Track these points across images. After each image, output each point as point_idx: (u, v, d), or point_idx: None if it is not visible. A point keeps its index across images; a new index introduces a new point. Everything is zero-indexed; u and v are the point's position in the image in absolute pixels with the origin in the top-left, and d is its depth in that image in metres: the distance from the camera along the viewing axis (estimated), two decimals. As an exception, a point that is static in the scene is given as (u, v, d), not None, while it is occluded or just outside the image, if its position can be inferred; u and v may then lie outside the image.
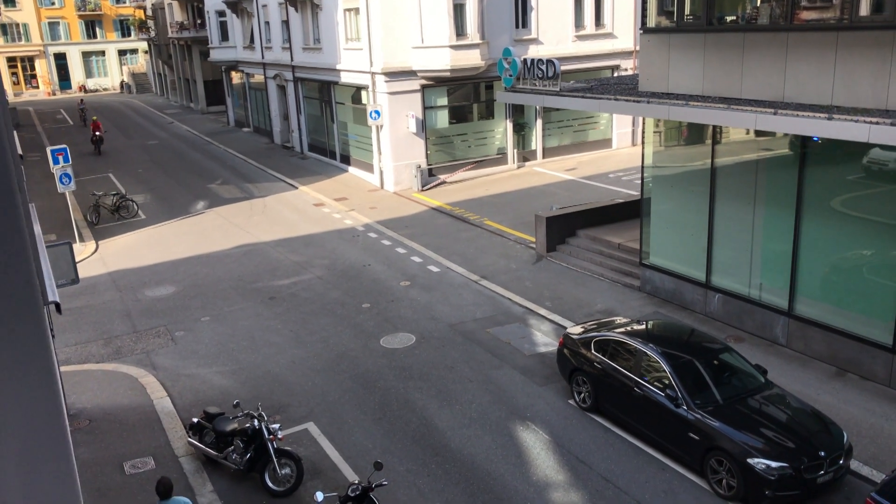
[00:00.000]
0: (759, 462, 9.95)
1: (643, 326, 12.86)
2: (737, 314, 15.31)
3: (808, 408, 11.05)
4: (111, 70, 78.04)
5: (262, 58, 38.79)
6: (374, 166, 29.21)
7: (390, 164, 28.15)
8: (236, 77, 45.32)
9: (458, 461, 11.48)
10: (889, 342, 12.66)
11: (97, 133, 38.03)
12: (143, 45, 73.83)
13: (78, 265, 12.63)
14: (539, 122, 30.41)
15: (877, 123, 11.05)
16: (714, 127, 15.18)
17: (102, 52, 77.27)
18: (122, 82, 76.00)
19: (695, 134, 16.11)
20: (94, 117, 41.43)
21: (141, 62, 77.72)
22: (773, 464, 9.90)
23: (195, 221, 25.16)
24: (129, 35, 76.63)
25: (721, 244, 15.56)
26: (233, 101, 46.98)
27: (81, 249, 22.73)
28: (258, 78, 40.74)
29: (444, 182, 28.72)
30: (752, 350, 14.12)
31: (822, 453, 10.04)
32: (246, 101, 44.03)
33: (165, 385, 14.29)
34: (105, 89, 76.96)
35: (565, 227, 20.37)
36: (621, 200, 21.20)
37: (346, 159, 32.28)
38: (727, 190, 15.28)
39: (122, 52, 78.26)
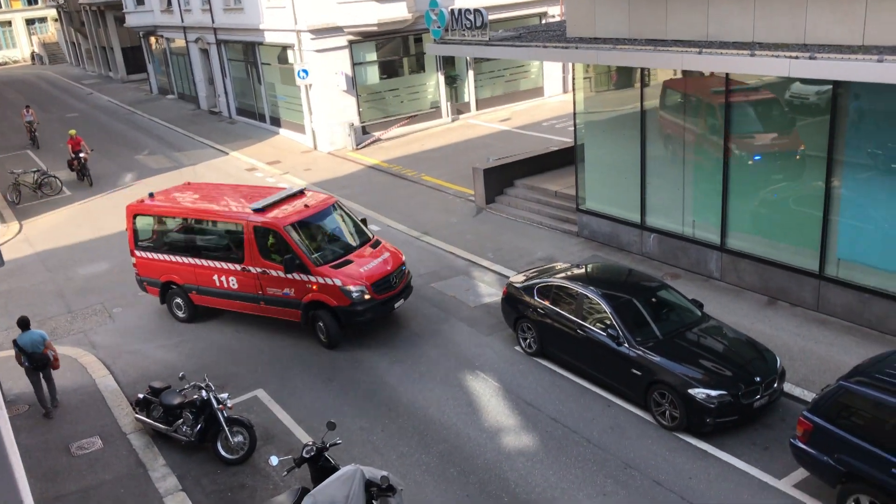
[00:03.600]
0: (699, 392, 10.35)
1: (583, 270, 13.11)
2: (672, 252, 15.73)
3: (743, 337, 11.50)
4: (19, 41, 74.03)
5: (182, 21, 37.35)
6: (306, 127, 28.68)
7: (322, 123, 27.68)
8: (156, 43, 43.62)
9: (410, 415, 11.62)
10: (815, 269, 13.21)
11: (79, 155, 26.06)
12: (53, 13, 70.17)
13: (1, 248, 12.13)
14: (471, 74, 30.23)
15: (796, 58, 11.34)
16: (642, 70, 15.35)
17: (8, 23, 73.19)
18: (32, 53, 72.29)
19: (624, 78, 16.27)
20: (72, 131, 26.91)
21: (52, 31, 73.90)
22: (713, 392, 10.32)
23: (125, 195, 24.37)
24: (36, 2, 72.68)
25: (654, 185, 15.89)
26: (154, 68, 45.27)
27: (3, 231, 21.84)
28: (179, 42, 39.29)
29: (378, 139, 28.42)
30: (688, 285, 14.57)
31: (758, 379, 10.51)
32: (168, 67, 42.49)
33: (106, 363, 13.97)
34: (15, 61, 73.09)
35: (503, 178, 20.45)
36: (556, 148, 21.37)
37: (276, 121, 31.60)
38: (657, 132, 15.55)
39: (29, 22, 74.21)
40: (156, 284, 15.39)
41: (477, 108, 30.78)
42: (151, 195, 15.68)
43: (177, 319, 15.37)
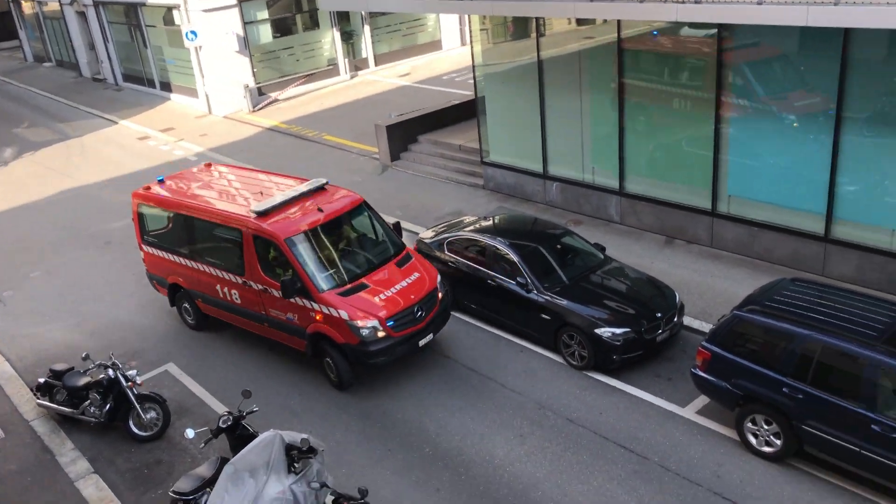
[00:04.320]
0: (605, 331, 10.77)
1: (490, 222, 13.29)
2: (574, 199, 16.13)
3: (644, 276, 11.99)
4: None
5: (53, -18, 34.91)
6: (199, 91, 27.56)
7: (216, 86, 26.65)
8: (27, 6, 40.65)
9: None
10: (708, 207, 13.85)
11: None
12: None
13: None
14: (367, 29, 29.67)
15: (683, 3, 11.66)
16: (537, 20, 15.46)
17: None
18: None
19: (520, 29, 16.35)
20: None
21: None
22: (618, 331, 10.76)
23: (5, 172, 22.89)
24: None
25: (554, 135, 16.16)
26: (27, 34, 42.26)
27: None
28: (53, 6, 36.76)
29: (276, 100, 27.65)
30: (591, 230, 15.01)
31: (659, 315, 11.01)
32: (42, 32, 39.74)
33: (0, 349, 13.27)
34: None
35: (406, 134, 20.33)
36: (457, 102, 21.36)
37: (166, 86, 30.19)
38: (555, 81, 15.76)
39: None
40: (164, 284, 13.29)
41: (375, 64, 30.32)
42: (161, 180, 13.24)
43: (187, 325, 13.33)
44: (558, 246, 12.32)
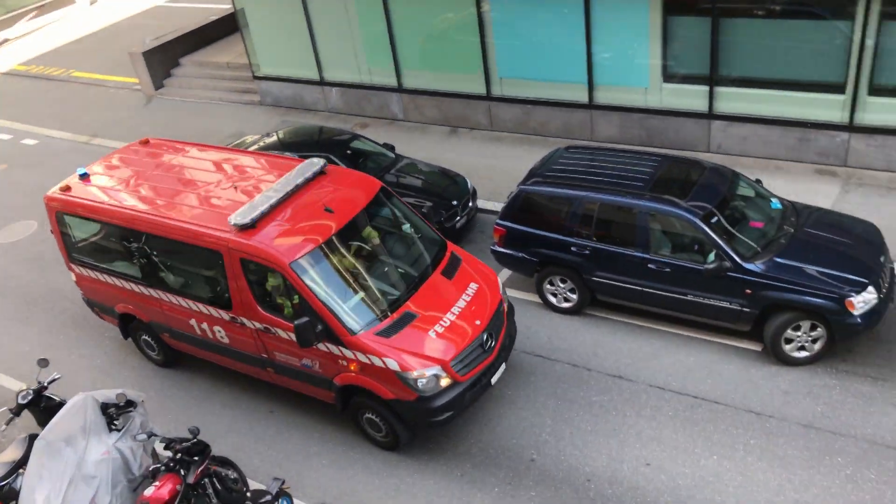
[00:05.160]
0: (407, 227, 11.03)
1: (275, 138, 12.89)
2: (356, 102, 16.01)
3: (436, 168, 12.32)
4: None
5: None
6: None
7: (-73, 32, 22.96)
8: None
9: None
10: (484, 92, 14.34)
11: None
12: None
13: None
14: (97, -53, 26.66)
15: None
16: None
17: None
18: None
19: (267, -71, 15.46)
20: None
21: None
22: (419, 224, 11.05)
23: None
24: None
25: (324, 39, 15.75)
26: None
27: None
28: None
29: (6, 40, 24.38)
30: (378, 131, 15.06)
31: (455, 202, 11.44)
32: None
33: None
34: None
35: (167, 58, 18.88)
36: (217, 17, 20.04)
37: None
38: (314, -18, 15.23)
39: None
40: (111, 313, 10.15)
41: (116, -14, 27.51)
42: (84, 174, 9.72)
43: (151, 361, 10.38)
44: (348, 151, 12.26)
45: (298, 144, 12.47)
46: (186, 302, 8.92)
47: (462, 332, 7.89)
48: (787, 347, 8.55)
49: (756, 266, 8.35)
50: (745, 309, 8.54)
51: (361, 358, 7.70)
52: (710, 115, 12.29)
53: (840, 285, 8.09)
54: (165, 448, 7.47)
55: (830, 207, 10.50)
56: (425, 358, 7.61)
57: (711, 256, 8.51)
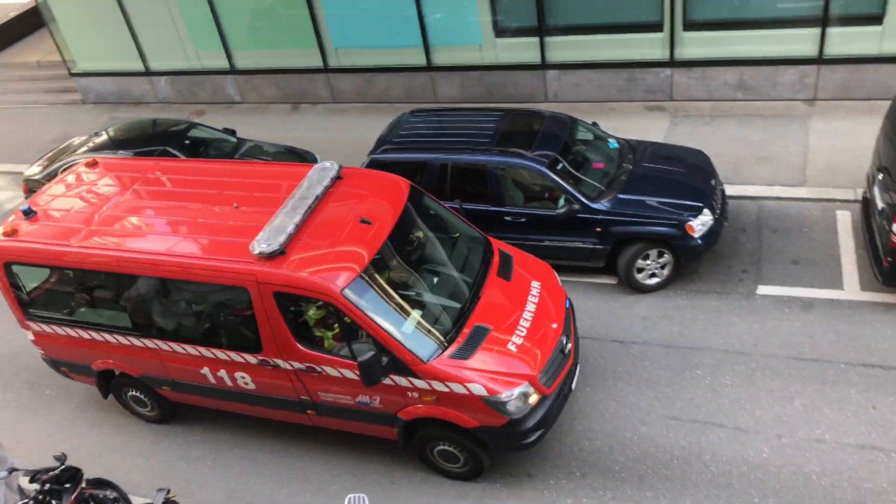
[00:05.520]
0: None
1: (105, 137, 12.09)
2: (188, 90, 15.27)
3: (282, 147, 12.01)
4: None
5: None
6: None
7: None
8: None
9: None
10: (321, 65, 14.07)
11: None
12: None
13: None
14: None
15: None
16: None
17: None
18: None
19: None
20: None
21: None
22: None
23: None
24: None
25: (143, 26, 14.85)
26: None
27: None
28: None
29: None
30: (216, 117, 14.47)
31: (307, 180, 11.21)
32: None
33: None
34: None
35: (-35, 63, 17.17)
36: (16, 14, 18.39)
37: None
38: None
39: None
40: (86, 372, 8.61)
41: None
42: (29, 213, 7.96)
43: (140, 418, 8.94)
44: (186, 141, 11.69)
45: (132, 140, 11.76)
46: (196, 350, 7.57)
47: (541, 339, 7.07)
48: (639, 276, 9.10)
49: (602, 205, 8.79)
50: (597, 246, 8.99)
51: (438, 387, 6.70)
52: (544, 66, 12.70)
53: (679, 212, 8.67)
54: (31, 481, 6.97)
55: (662, 140, 11.19)
56: (511, 376, 6.72)
57: (561, 202, 8.87)
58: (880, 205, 8.18)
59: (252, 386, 7.59)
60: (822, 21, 11.01)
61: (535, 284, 7.57)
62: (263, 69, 14.50)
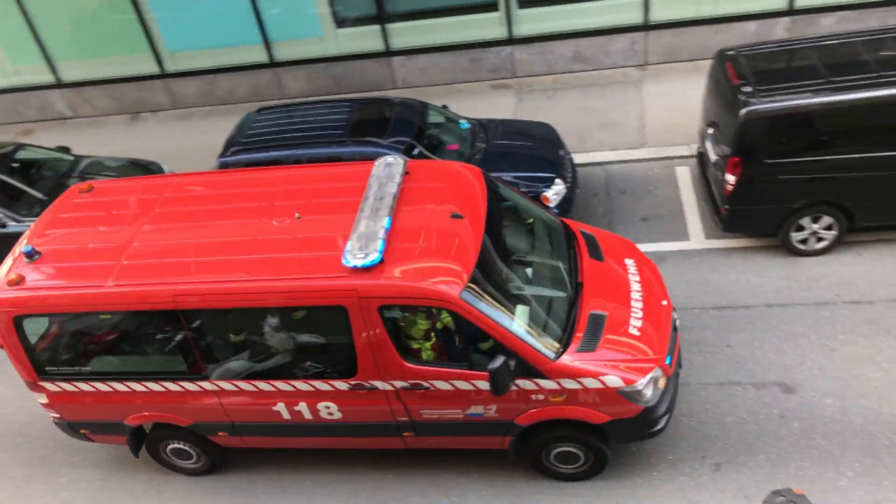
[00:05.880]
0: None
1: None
2: (11, 109, 14.15)
3: (124, 160, 11.28)
4: None
5: None
6: None
7: None
8: None
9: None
10: (158, 70, 13.40)
11: None
12: None
13: None
14: None
15: None
16: None
17: None
18: None
19: None
20: None
21: None
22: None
23: None
24: None
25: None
26: None
27: None
28: None
29: None
30: (47, 135, 13.43)
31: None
32: None
33: None
34: None
35: None
36: None
37: None
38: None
39: None
40: (115, 430, 7.37)
41: None
42: (33, 254, 6.73)
43: (178, 472, 7.81)
44: (15, 164, 10.81)
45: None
46: (271, 385, 6.73)
47: (656, 319, 6.69)
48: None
49: (461, 184, 8.91)
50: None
51: (569, 385, 6.23)
52: (389, 53, 12.70)
53: (534, 184, 8.95)
54: None
55: (511, 117, 11.49)
56: (641, 362, 6.34)
57: (421, 185, 8.93)
58: (713, 157, 8.79)
59: (338, 416, 6.82)
60: (645, -10, 11.68)
61: (630, 262, 7.21)
62: (94, 80, 13.62)
